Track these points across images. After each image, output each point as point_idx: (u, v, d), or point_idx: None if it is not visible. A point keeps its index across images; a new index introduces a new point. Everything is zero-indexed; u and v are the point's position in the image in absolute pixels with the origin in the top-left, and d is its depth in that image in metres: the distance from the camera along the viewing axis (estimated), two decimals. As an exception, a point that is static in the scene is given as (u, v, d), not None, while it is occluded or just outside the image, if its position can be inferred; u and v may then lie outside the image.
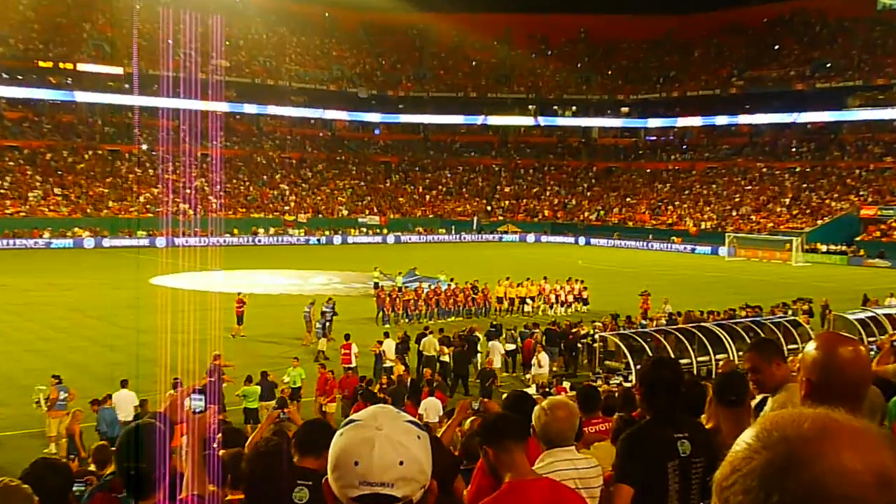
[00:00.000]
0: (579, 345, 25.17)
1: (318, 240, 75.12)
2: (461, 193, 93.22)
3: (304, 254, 63.63)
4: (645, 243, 76.96)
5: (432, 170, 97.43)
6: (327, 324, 27.70)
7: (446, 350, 23.31)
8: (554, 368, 24.28)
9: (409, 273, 39.76)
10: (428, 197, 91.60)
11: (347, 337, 23.68)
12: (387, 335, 24.02)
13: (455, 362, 22.95)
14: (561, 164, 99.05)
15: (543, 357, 22.29)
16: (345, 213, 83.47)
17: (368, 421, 1.72)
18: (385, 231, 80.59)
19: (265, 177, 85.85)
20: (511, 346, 24.75)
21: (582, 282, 37.29)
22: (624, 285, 44.96)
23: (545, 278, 37.22)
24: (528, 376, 22.83)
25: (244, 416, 18.73)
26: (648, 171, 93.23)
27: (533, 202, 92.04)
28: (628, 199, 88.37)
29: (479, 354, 24.00)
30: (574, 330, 25.62)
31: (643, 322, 27.92)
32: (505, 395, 5.24)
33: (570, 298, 36.23)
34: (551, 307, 35.88)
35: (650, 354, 20.05)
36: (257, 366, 21.58)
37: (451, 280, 36.03)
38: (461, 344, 23.61)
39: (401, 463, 1.67)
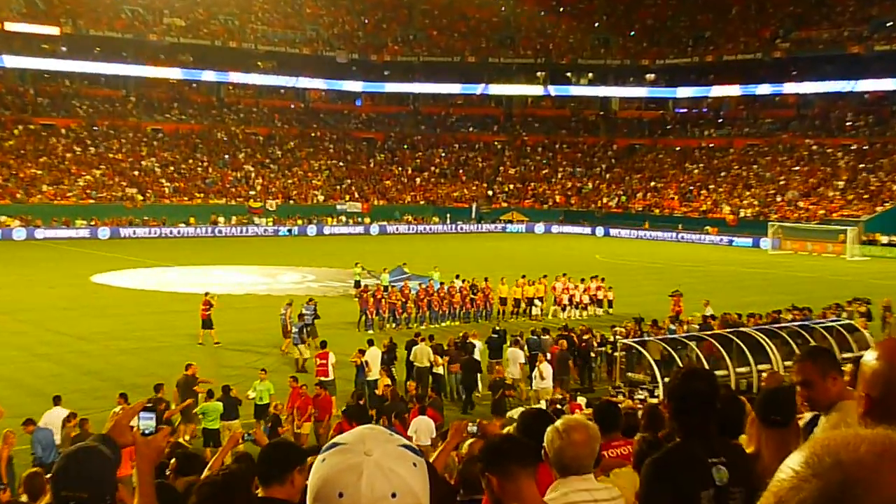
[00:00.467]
0: (593, 354, 25.48)
1: (290, 230, 75.32)
2: (457, 176, 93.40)
3: (272, 247, 63.77)
4: (674, 234, 77.22)
5: (423, 148, 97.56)
6: (307, 328, 27.75)
7: (440, 360, 23.43)
8: (571, 384, 24.40)
9: (396, 270, 39.82)
10: (419, 180, 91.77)
11: (324, 345, 23.80)
12: (371, 343, 23.95)
13: (464, 372, 23.21)
14: (575, 142, 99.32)
15: (546, 368, 22.41)
16: (320, 198, 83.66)
17: (355, 444, 1.70)
18: (368, 220, 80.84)
19: (227, 156, 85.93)
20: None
21: (602, 280, 37.70)
22: (649, 284, 45.11)
23: (564, 275, 37.49)
24: (531, 389, 22.93)
25: (203, 437, 18.83)
26: (678, 149, 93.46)
27: (542, 186, 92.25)
28: (654, 183, 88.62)
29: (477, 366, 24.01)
30: (586, 337, 25.82)
31: (672, 327, 28.00)
32: (519, 412, 5.24)
33: (586, 300, 36.56)
34: (563, 310, 36.16)
35: (680, 365, 20.19)
36: (220, 378, 21.71)
37: (461, 279, 36.16)
38: (457, 353, 23.71)
39: (393, 495, 1.65)
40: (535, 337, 25.70)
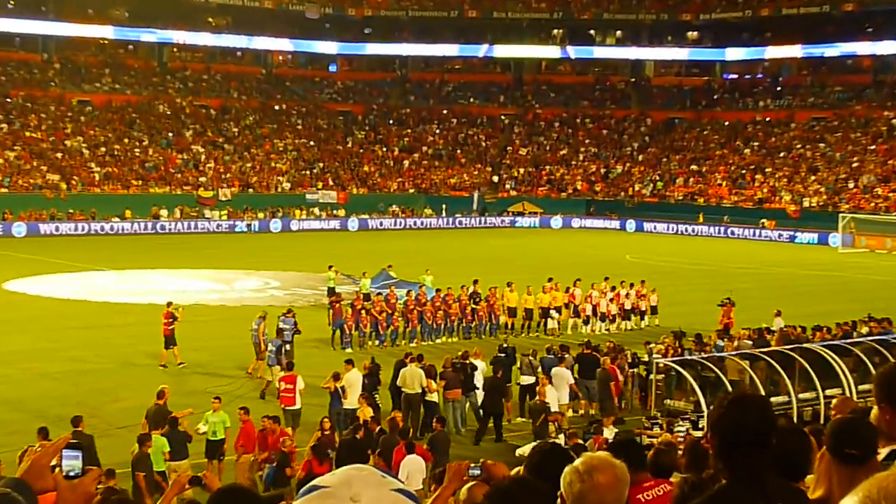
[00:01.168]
0: (621, 377, 25.59)
1: (249, 225, 75.46)
2: (455, 158, 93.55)
3: (227, 246, 63.85)
4: (722, 229, 77.50)
5: (413, 124, 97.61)
6: (286, 347, 27.72)
7: (434, 386, 23.32)
8: (591, 411, 24.70)
9: (379, 275, 40.01)
10: (407, 163, 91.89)
11: (290, 366, 23.90)
12: (349, 363, 23.73)
13: (487, 395, 23.37)
14: (600, 115, 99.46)
15: (550, 392, 22.64)
16: (286, 186, 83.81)
17: (340, 488, 1.71)
18: (345, 213, 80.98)
19: (171, 134, 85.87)
20: (529, 379, 24.88)
21: (643, 283, 38.22)
22: (691, 291, 45.32)
23: (577, 281, 37.79)
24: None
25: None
26: (726, 123, 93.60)
27: (560, 170, 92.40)
28: (697, 166, 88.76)
29: (475, 391, 24.21)
30: (603, 356, 25.95)
31: (719, 343, 28.05)
32: (530, 448, 5.24)
33: (614, 310, 36.81)
34: (586, 322, 36.41)
35: (730, 390, 20.10)
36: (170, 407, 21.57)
37: (467, 287, 35.98)
38: (455, 376, 23.71)
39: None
40: (552, 356, 25.45)
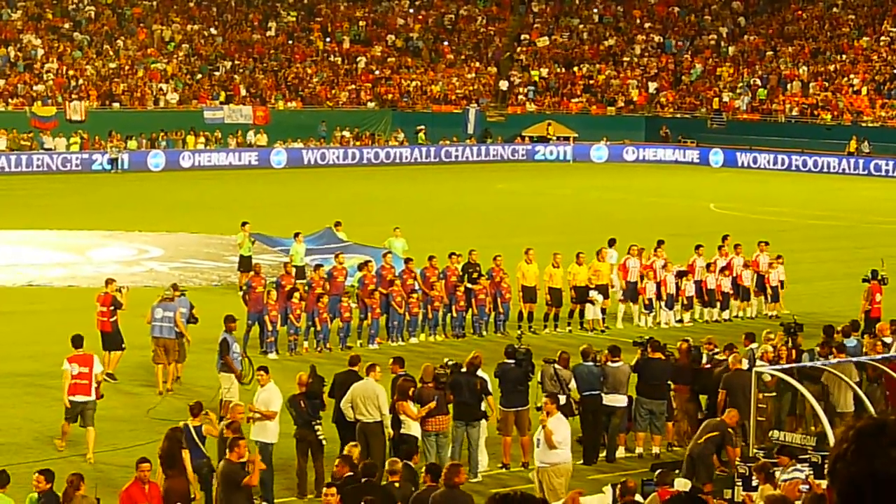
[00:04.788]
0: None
1: (113, 161, 61.75)
2: (439, 52, 77.95)
3: (80, 193, 53.49)
4: (861, 162, 64.74)
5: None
6: (177, 346, 23.90)
7: (411, 410, 18.62)
8: (655, 449, 20.34)
9: (320, 234, 33.12)
10: (363, 61, 75.62)
11: (119, 346, 23.28)
12: (264, 371, 19.12)
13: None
14: None
15: (558, 427, 17.91)
16: (173, 99, 68.75)
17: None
18: (266, 140, 67.16)
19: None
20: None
21: (766, 245, 31.14)
22: (815, 259, 37.58)
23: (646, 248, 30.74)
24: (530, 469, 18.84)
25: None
26: None
27: (605, 70, 76.33)
28: (823, 63, 72.62)
29: (481, 423, 19.47)
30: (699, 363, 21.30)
31: (855, 340, 22.66)
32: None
33: (690, 291, 29.72)
34: (648, 309, 29.49)
35: (872, 413, 17.06)
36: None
37: (459, 256, 29.32)
38: (442, 396, 19.02)
39: None
40: (593, 364, 20.39)
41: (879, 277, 27.72)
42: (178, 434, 16.87)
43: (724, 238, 31.45)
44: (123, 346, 24.38)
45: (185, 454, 16.59)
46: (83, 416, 19.50)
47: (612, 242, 31.21)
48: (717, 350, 21.46)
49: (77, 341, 20.51)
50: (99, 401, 20.19)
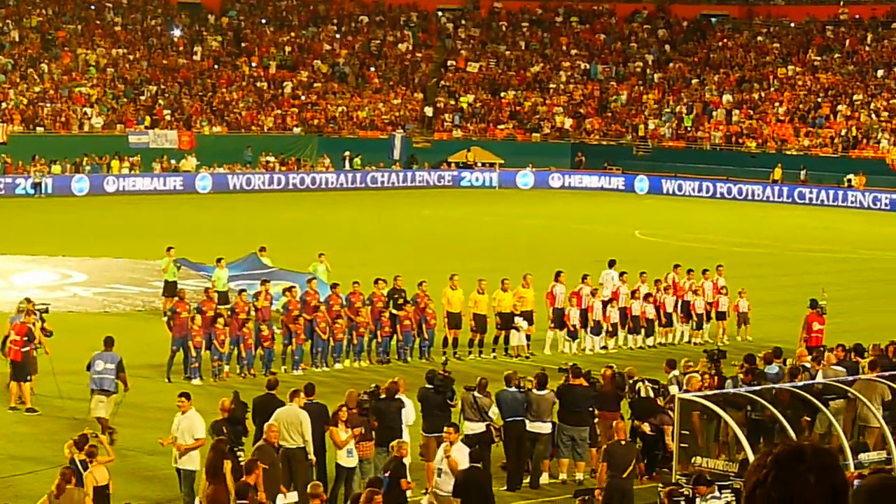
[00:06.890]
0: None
1: (37, 185, 61.55)
2: (366, 78, 77.78)
3: (4, 216, 52.14)
4: (785, 189, 65.44)
5: (300, 23, 79.89)
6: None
7: (342, 436, 18.57)
8: (578, 475, 20.14)
9: (244, 261, 33.19)
10: (290, 86, 75.52)
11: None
12: (186, 397, 19.02)
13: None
14: (595, 11, 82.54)
15: (459, 455, 17.66)
16: (97, 123, 68.14)
17: None
18: (192, 165, 66.66)
19: None
20: (478, 427, 19.78)
21: (717, 271, 32.22)
22: (736, 286, 37.66)
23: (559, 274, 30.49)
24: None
25: None
26: (792, 24, 78.47)
27: (531, 97, 77.02)
28: (747, 91, 73.62)
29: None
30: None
31: (777, 367, 22.30)
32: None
33: (614, 317, 29.87)
34: (572, 337, 29.59)
35: (793, 437, 17.97)
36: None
37: (384, 282, 29.27)
38: (365, 422, 18.93)
39: None
40: (517, 390, 20.31)
41: (818, 308, 27.94)
42: (223, 446, 16.90)
43: (675, 266, 32.10)
44: (35, 373, 23.73)
45: (227, 464, 16.51)
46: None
47: (612, 264, 31.96)
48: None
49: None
50: None
